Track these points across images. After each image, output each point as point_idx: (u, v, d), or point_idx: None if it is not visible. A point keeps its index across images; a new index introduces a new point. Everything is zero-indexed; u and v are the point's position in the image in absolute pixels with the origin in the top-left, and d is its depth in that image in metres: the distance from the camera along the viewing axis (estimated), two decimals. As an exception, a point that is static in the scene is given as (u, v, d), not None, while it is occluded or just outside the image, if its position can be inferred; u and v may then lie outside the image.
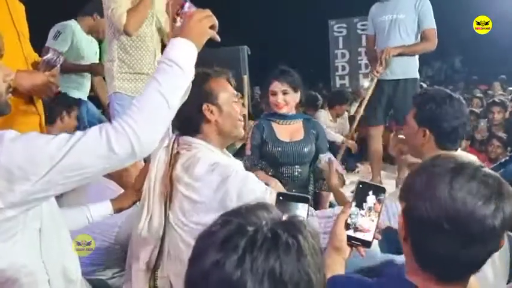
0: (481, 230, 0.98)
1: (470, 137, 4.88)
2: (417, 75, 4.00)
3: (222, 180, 1.57)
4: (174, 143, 1.69)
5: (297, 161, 2.76)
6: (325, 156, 2.72)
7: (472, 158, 2.06)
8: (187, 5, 1.47)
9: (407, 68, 3.90)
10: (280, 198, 1.28)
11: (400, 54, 3.79)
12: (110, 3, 2.76)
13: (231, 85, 1.79)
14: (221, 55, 6.14)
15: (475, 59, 13.29)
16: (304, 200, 1.29)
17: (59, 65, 2.01)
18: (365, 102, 3.99)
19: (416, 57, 3.95)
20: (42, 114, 2.18)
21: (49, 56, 1.99)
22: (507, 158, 3.16)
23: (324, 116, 5.57)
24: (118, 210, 1.75)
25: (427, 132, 1.93)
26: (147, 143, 1.23)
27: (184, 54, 1.34)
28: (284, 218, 0.83)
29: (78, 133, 1.19)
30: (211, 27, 1.42)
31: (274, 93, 2.76)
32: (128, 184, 1.94)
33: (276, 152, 2.73)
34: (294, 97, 2.79)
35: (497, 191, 1.00)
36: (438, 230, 1.00)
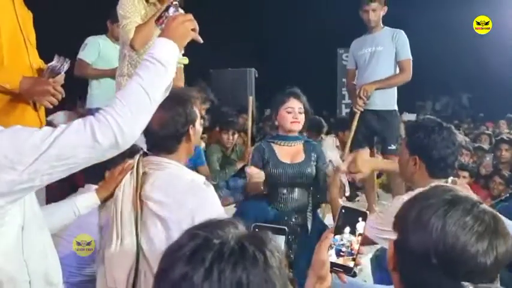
0: (472, 267, 0.94)
1: (475, 173, 4.84)
2: (396, 107, 4.10)
3: (200, 204, 1.58)
4: (138, 164, 1.68)
5: (297, 183, 2.75)
6: (335, 162, 2.65)
7: (470, 192, 2.04)
8: (171, 9, 1.51)
9: (386, 100, 4.00)
10: (256, 230, 1.25)
11: (377, 89, 3.91)
12: (122, 20, 2.83)
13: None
14: (229, 76, 6.22)
15: (482, 97, 13.31)
16: (281, 232, 1.27)
17: (63, 72, 2.02)
18: (351, 135, 4.05)
19: (395, 89, 4.06)
20: (44, 121, 2.18)
21: (53, 63, 2.00)
22: (507, 195, 3.13)
23: (330, 142, 5.56)
24: (105, 200, 1.74)
25: (417, 160, 1.94)
26: (129, 134, 1.26)
27: (167, 52, 1.39)
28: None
29: (62, 125, 1.22)
30: (193, 30, 1.48)
31: (291, 110, 2.77)
32: None
33: (277, 173, 2.72)
34: (304, 119, 2.81)
35: (492, 228, 0.97)
36: (425, 264, 0.97)
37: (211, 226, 0.84)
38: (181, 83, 3.00)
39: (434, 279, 0.96)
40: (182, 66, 3.04)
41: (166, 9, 1.53)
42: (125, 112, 1.25)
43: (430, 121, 2.01)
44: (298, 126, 2.80)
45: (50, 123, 2.09)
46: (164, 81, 1.37)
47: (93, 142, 1.20)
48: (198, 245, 0.79)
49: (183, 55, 2.77)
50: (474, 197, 1.07)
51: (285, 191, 2.74)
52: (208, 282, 0.75)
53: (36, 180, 1.18)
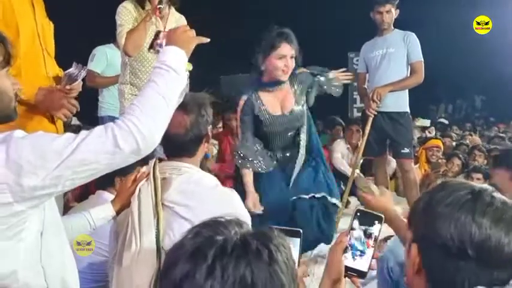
0: (501, 256, 0.96)
1: (489, 175, 4.79)
2: (408, 110, 4.06)
3: (226, 211, 1.55)
4: (154, 170, 1.65)
5: (291, 128, 2.80)
6: None
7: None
8: (161, 35, 1.56)
9: (398, 101, 3.97)
10: None
11: (390, 91, 3.88)
12: (117, 28, 2.85)
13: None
14: (239, 82, 6.23)
15: (496, 99, 13.19)
16: (296, 235, 1.25)
17: (80, 79, 2.03)
18: (364, 139, 4.03)
19: (406, 91, 4.03)
20: (62, 132, 2.20)
21: (71, 70, 2.02)
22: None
23: (341, 145, 5.54)
24: (120, 211, 1.72)
25: None
26: (150, 139, 1.28)
27: (176, 59, 1.44)
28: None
29: (84, 132, 1.24)
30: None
31: (282, 57, 2.59)
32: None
33: (271, 129, 2.75)
34: (294, 64, 2.66)
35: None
36: (462, 256, 0.97)
37: (215, 225, 0.83)
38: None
39: (469, 271, 0.96)
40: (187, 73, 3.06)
41: (156, 36, 1.57)
42: (144, 118, 1.27)
43: None
44: (287, 77, 2.67)
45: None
46: (178, 86, 1.41)
47: (114, 148, 1.21)
48: (200, 242, 0.78)
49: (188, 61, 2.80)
50: (489, 187, 1.05)
51: (278, 138, 2.80)
52: (211, 280, 0.73)
53: (58, 186, 1.19)
